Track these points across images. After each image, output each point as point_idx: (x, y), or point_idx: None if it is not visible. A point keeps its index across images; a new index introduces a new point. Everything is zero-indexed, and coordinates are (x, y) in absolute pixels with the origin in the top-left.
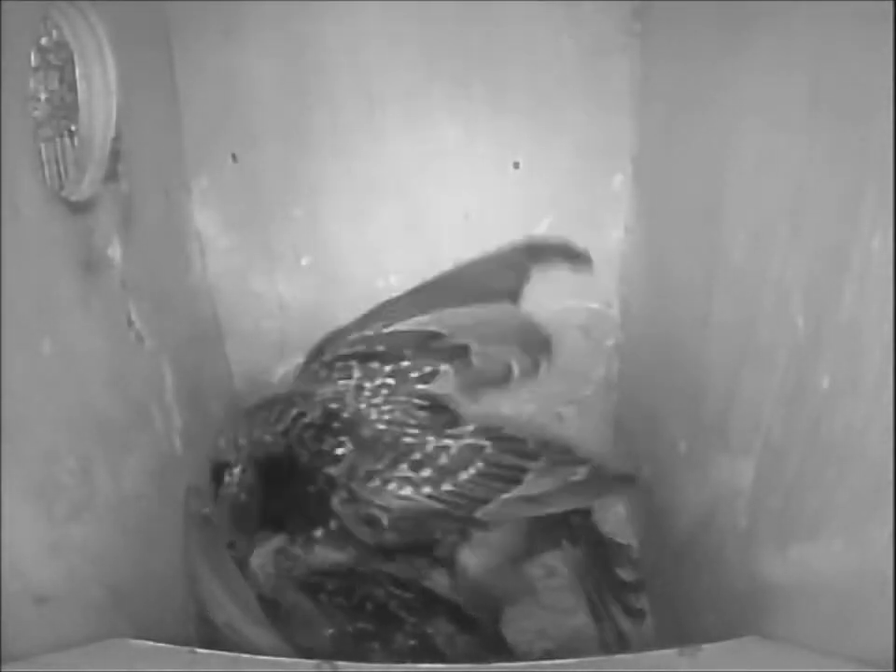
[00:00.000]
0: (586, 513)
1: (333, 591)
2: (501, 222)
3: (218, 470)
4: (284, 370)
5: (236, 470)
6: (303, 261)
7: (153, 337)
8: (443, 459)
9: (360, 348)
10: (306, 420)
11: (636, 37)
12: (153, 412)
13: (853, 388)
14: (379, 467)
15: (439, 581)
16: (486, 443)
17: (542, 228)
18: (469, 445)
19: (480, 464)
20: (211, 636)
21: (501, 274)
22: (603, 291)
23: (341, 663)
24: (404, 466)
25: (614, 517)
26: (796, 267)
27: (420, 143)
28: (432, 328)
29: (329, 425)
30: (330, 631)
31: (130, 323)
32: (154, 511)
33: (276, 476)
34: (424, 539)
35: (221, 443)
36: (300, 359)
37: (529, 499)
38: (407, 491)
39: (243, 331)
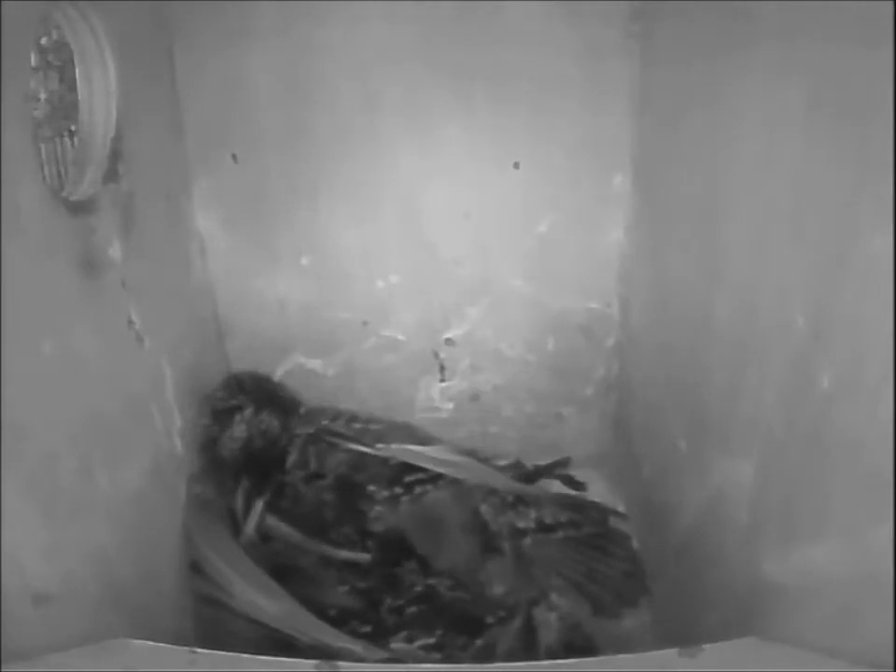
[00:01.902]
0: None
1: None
2: (501, 222)
3: (223, 415)
4: (284, 369)
5: (247, 412)
6: (303, 261)
7: (153, 337)
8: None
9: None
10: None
11: (635, 38)
12: (153, 411)
13: (853, 388)
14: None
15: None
16: None
17: (542, 228)
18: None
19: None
20: (215, 619)
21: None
22: (603, 291)
23: (341, 663)
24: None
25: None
26: (796, 267)
27: (420, 143)
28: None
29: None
30: (344, 588)
31: (130, 323)
32: (154, 511)
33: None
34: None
35: (220, 394)
36: (299, 359)
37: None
38: (325, 421)
39: (243, 331)
